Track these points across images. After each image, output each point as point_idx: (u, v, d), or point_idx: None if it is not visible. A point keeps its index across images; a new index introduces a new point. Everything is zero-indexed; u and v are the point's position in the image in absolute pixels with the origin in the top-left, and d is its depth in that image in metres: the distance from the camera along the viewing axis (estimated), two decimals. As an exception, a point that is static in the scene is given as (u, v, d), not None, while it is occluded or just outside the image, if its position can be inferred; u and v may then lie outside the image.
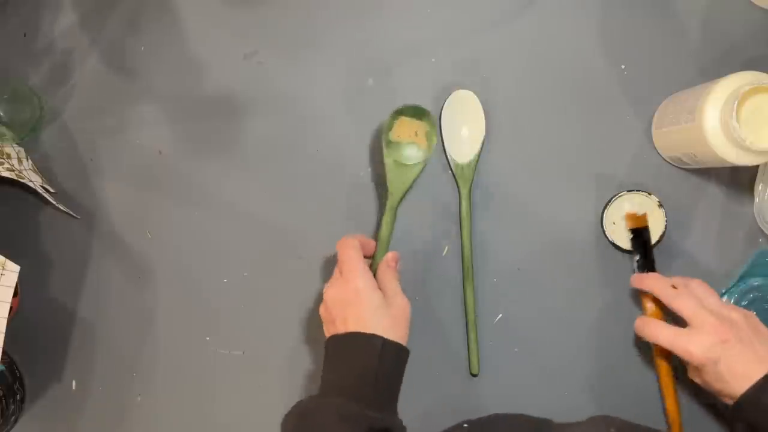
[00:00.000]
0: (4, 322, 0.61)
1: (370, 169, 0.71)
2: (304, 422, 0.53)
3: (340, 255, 0.61)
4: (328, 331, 0.60)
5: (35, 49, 0.73)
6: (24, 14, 0.73)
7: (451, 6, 0.70)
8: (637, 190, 0.67)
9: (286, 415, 0.55)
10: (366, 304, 0.57)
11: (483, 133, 0.69)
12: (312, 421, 0.53)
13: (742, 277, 0.67)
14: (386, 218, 0.66)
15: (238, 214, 0.72)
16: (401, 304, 0.59)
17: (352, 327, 0.56)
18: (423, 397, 0.70)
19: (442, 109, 0.69)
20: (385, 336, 0.56)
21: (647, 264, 0.67)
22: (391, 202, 0.66)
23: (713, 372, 0.55)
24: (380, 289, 0.59)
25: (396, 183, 0.66)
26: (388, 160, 0.66)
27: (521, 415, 0.64)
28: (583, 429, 0.58)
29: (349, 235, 0.62)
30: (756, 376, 0.53)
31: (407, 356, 0.58)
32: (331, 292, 0.60)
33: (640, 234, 0.67)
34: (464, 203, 0.69)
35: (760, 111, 0.57)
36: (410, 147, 0.67)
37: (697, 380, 0.59)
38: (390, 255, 0.64)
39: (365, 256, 0.62)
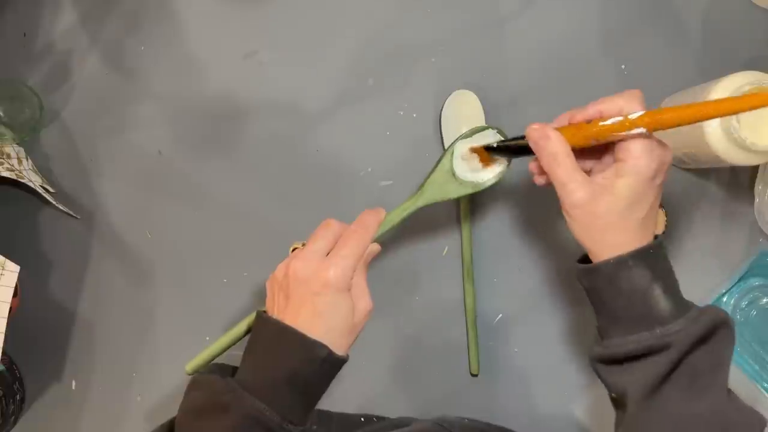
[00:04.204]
0: (4, 322, 0.61)
1: (370, 169, 0.71)
2: (215, 412, 0.48)
3: (350, 233, 0.53)
4: (274, 307, 0.52)
5: (35, 49, 0.73)
6: (24, 14, 0.73)
7: (451, 6, 0.70)
8: (637, 190, 0.67)
9: (193, 384, 0.51)
10: (328, 307, 0.50)
11: (483, 133, 0.68)
12: (223, 418, 0.48)
13: (742, 277, 0.67)
14: (397, 212, 0.58)
15: (238, 214, 0.71)
16: (364, 309, 0.52)
17: (302, 323, 0.50)
18: (423, 397, 0.70)
19: (442, 109, 0.69)
20: (332, 345, 0.50)
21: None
22: (413, 203, 0.58)
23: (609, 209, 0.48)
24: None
25: (433, 190, 0.59)
26: (445, 165, 0.59)
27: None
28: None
29: (379, 213, 0.55)
30: (622, 249, 0.48)
31: (344, 364, 0.52)
32: (300, 265, 0.51)
33: (499, 149, 0.57)
34: (464, 203, 0.69)
35: (760, 111, 0.57)
36: (477, 168, 0.59)
37: (576, 214, 0.50)
38: (373, 247, 0.55)
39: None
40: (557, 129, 0.51)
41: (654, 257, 0.49)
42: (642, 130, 0.47)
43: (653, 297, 0.48)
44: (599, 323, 0.52)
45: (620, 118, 0.47)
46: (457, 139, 0.59)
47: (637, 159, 0.47)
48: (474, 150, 0.58)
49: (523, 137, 0.53)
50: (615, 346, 0.49)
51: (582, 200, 0.49)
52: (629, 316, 0.49)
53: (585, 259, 0.52)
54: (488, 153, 0.58)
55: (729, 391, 0.49)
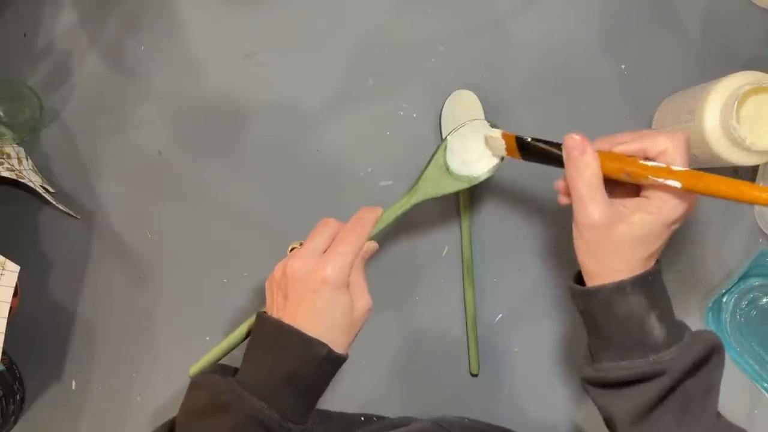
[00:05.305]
0: (4, 322, 0.61)
1: (370, 169, 0.71)
2: (215, 412, 0.48)
3: (347, 230, 0.53)
4: (274, 306, 0.52)
5: (35, 49, 0.73)
6: (24, 14, 0.73)
7: (451, 6, 0.70)
8: (637, 190, 0.67)
9: (194, 384, 0.51)
10: (326, 304, 0.50)
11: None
12: (223, 418, 0.48)
13: (742, 277, 0.67)
14: (393, 209, 0.58)
15: (238, 214, 0.71)
16: (363, 307, 0.52)
17: (300, 321, 0.50)
18: (423, 397, 0.70)
19: (442, 109, 0.69)
20: (332, 343, 0.50)
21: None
22: (408, 199, 0.59)
23: (619, 237, 0.47)
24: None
25: (427, 186, 0.59)
26: (438, 160, 0.59)
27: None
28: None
29: (376, 211, 0.55)
30: (621, 275, 0.48)
31: (343, 362, 0.52)
32: (298, 263, 0.51)
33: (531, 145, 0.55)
34: (464, 203, 0.69)
35: (760, 111, 0.57)
36: (472, 159, 0.59)
37: (587, 234, 0.49)
38: (371, 245, 0.55)
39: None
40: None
41: (651, 284, 0.48)
42: (678, 184, 0.46)
43: (648, 324, 0.47)
44: (591, 344, 0.52)
45: (663, 165, 0.46)
46: (449, 133, 0.59)
47: (664, 202, 0.47)
48: (505, 136, 0.56)
49: (559, 144, 0.51)
50: (607, 370, 0.49)
51: (598, 222, 0.48)
52: (623, 342, 0.48)
53: (578, 277, 0.52)
54: (517, 146, 0.55)
55: (718, 414, 0.49)
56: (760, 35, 0.68)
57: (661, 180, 0.46)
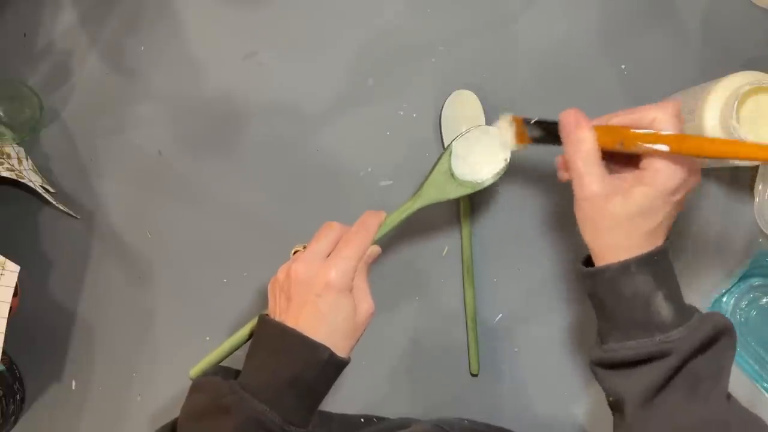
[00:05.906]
0: (4, 322, 0.61)
1: (370, 169, 0.71)
2: (217, 414, 0.48)
3: (351, 234, 0.53)
4: (276, 309, 0.52)
5: (35, 49, 0.73)
6: (24, 14, 0.73)
7: (451, 6, 0.70)
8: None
9: (195, 386, 0.51)
10: (330, 308, 0.50)
11: (483, 133, 0.68)
12: (224, 420, 0.48)
13: (742, 277, 0.67)
14: (396, 214, 0.58)
15: (239, 214, 0.71)
16: (365, 311, 0.52)
17: (303, 325, 0.50)
18: (423, 397, 0.70)
19: (442, 109, 0.69)
20: (334, 347, 0.50)
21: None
22: (412, 204, 0.59)
23: (613, 214, 0.48)
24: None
25: (432, 190, 0.59)
26: (443, 166, 0.59)
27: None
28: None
29: (380, 215, 0.56)
30: (626, 254, 0.48)
31: (346, 366, 0.52)
32: (301, 267, 0.51)
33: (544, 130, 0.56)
34: (464, 203, 0.69)
35: (760, 111, 0.57)
36: (476, 165, 0.60)
37: (585, 207, 0.50)
38: (374, 249, 0.55)
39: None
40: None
41: (657, 264, 0.48)
42: (665, 147, 0.47)
43: (655, 303, 0.47)
44: (599, 326, 0.52)
45: (651, 131, 0.48)
46: (454, 139, 0.60)
47: (658, 171, 0.47)
48: (514, 119, 0.57)
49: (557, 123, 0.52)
50: (614, 350, 0.49)
51: (594, 194, 0.48)
52: (630, 322, 0.48)
53: (588, 261, 0.52)
54: (524, 127, 0.56)
55: (729, 395, 0.48)
56: (760, 35, 0.68)
57: (649, 145, 0.47)
